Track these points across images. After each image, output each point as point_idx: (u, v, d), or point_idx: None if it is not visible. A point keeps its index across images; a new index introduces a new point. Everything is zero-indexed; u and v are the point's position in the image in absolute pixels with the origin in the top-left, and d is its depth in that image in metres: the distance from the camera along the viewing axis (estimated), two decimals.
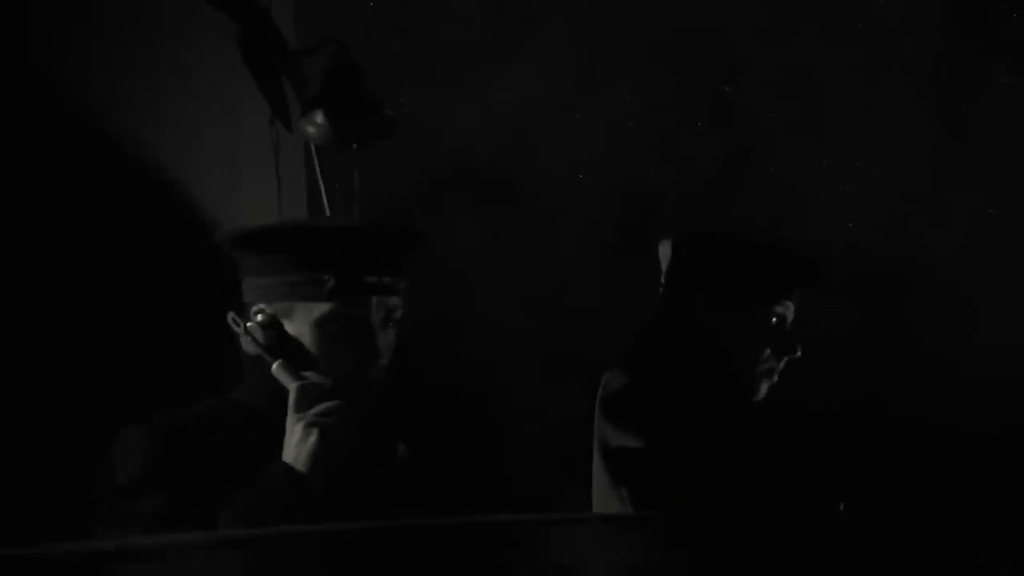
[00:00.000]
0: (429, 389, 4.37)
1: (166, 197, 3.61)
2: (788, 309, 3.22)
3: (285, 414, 2.42)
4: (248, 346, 2.50)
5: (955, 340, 5.28)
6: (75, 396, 3.31)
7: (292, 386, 2.42)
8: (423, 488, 2.59)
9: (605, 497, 3.11)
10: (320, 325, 2.49)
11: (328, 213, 3.84)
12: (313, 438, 2.37)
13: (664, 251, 3.28)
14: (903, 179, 5.40)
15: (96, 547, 1.70)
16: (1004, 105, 5.37)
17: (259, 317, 2.50)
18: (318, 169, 3.86)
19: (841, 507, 3.14)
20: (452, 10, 5.23)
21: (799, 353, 3.21)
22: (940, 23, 5.44)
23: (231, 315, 2.52)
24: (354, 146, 3.71)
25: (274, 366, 2.46)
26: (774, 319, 3.20)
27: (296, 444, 2.39)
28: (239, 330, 2.50)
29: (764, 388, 3.22)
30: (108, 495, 2.43)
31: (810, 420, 3.34)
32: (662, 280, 3.27)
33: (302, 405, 2.40)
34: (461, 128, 5.22)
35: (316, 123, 3.64)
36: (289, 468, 2.38)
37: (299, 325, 2.51)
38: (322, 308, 2.48)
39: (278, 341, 2.49)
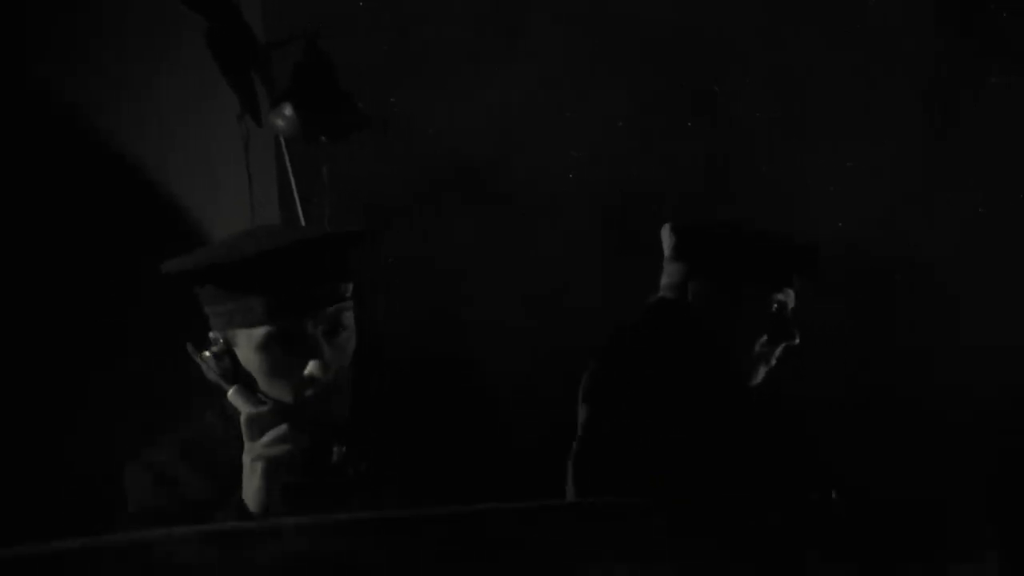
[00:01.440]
0: (425, 390, 4.37)
1: (138, 194, 3.64)
2: (788, 296, 3.23)
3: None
4: (207, 374, 2.49)
5: (948, 341, 5.26)
6: (47, 395, 3.34)
7: (242, 416, 2.40)
8: (384, 502, 2.51)
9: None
10: (260, 350, 2.46)
11: (299, 207, 3.85)
12: (257, 473, 2.36)
13: (666, 236, 3.29)
14: (897, 179, 5.39)
15: (82, 544, 1.71)
16: (997, 106, 5.35)
17: (215, 345, 2.50)
18: (288, 163, 3.88)
19: (833, 496, 3.13)
20: (444, 10, 5.24)
21: (797, 340, 3.22)
22: (934, 24, 5.42)
23: (189, 345, 2.50)
24: (323, 139, 3.72)
25: (229, 393, 2.45)
26: (774, 305, 3.21)
27: (246, 479, 2.38)
28: (197, 359, 2.49)
29: (761, 373, 3.23)
30: (120, 528, 2.45)
31: (803, 410, 3.34)
32: (664, 264, 3.29)
33: (252, 435, 2.38)
34: (455, 128, 5.23)
35: (285, 116, 3.66)
36: (240, 504, 2.37)
37: (244, 351, 2.49)
38: (258, 333, 2.45)
39: (233, 368, 2.49)
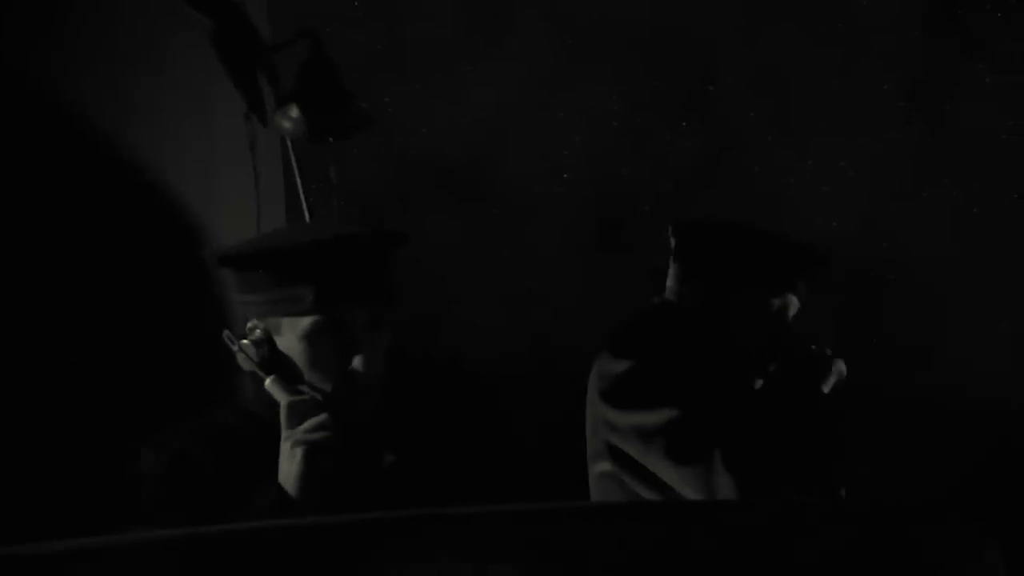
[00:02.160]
0: (407, 391, 4.36)
1: (143, 194, 3.61)
2: (789, 302, 3.20)
3: None
4: (243, 363, 2.51)
5: (939, 340, 5.28)
6: (49, 394, 3.32)
7: (282, 403, 2.43)
8: (411, 497, 2.51)
9: (607, 484, 3.10)
10: (306, 339, 2.48)
11: (305, 207, 3.84)
12: (298, 458, 2.38)
13: (673, 235, 3.27)
14: (888, 178, 5.41)
15: (76, 545, 1.69)
16: (988, 104, 5.37)
17: (252, 334, 2.52)
18: (295, 164, 3.85)
19: (842, 494, 3.12)
20: (434, 9, 5.23)
21: (800, 345, 3.18)
22: (921, 21, 5.44)
23: (226, 333, 2.52)
24: (330, 140, 3.71)
25: (267, 382, 2.47)
26: (774, 309, 3.17)
27: (285, 464, 2.41)
28: (234, 348, 2.51)
29: (762, 377, 3.20)
30: (129, 516, 2.47)
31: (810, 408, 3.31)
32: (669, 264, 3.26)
33: (291, 422, 2.41)
34: (440, 127, 5.23)
35: (291, 117, 3.64)
36: (280, 489, 2.39)
37: (287, 340, 2.51)
38: (305, 322, 2.48)
39: (271, 357, 2.51)
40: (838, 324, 5.24)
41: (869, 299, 5.39)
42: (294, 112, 3.63)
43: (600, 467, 3.13)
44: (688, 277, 3.20)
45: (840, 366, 3.21)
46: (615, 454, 3.09)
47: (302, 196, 3.83)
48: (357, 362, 2.46)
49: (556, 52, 5.35)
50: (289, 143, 3.86)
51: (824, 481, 3.10)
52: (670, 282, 3.26)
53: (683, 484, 2.98)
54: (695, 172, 5.41)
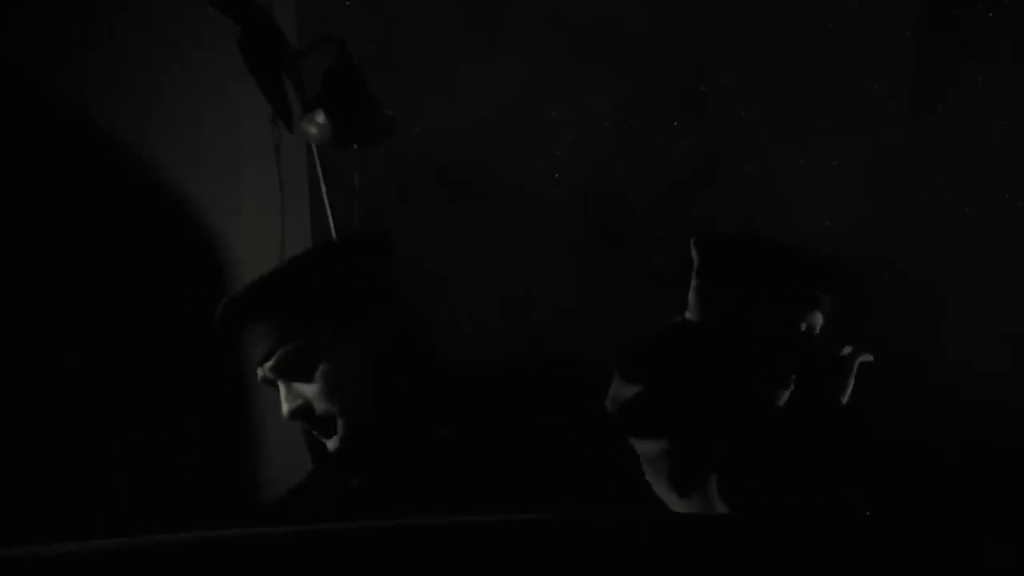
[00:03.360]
0: (405, 394, 4.34)
1: (166, 198, 3.58)
2: (816, 319, 3.18)
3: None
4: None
5: (934, 340, 5.31)
6: (62, 401, 3.29)
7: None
8: (409, 503, 2.53)
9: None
10: (276, 371, 2.52)
11: (329, 213, 3.81)
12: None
13: (696, 250, 3.24)
14: (882, 178, 5.43)
15: (91, 547, 1.68)
16: (979, 104, 5.40)
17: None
18: (320, 169, 3.82)
19: (867, 514, 3.11)
20: (430, 9, 5.22)
21: (820, 361, 3.16)
22: (915, 21, 5.47)
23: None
24: (355, 146, 3.67)
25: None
26: (801, 327, 3.15)
27: None
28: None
29: (784, 394, 3.18)
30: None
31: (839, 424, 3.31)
32: (692, 280, 3.23)
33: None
34: (438, 127, 5.21)
35: (318, 123, 3.61)
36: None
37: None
38: (267, 366, 2.52)
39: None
40: (832, 324, 5.27)
41: (864, 299, 5.41)
42: (320, 118, 3.60)
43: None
44: (712, 293, 3.17)
45: (865, 357, 3.21)
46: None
47: (326, 201, 3.81)
48: (311, 390, 2.50)
49: (553, 52, 5.34)
50: (315, 149, 3.83)
51: (842, 499, 3.09)
52: (691, 298, 3.23)
53: (686, 510, 2.98)
54: (691, 172, 5.42)
